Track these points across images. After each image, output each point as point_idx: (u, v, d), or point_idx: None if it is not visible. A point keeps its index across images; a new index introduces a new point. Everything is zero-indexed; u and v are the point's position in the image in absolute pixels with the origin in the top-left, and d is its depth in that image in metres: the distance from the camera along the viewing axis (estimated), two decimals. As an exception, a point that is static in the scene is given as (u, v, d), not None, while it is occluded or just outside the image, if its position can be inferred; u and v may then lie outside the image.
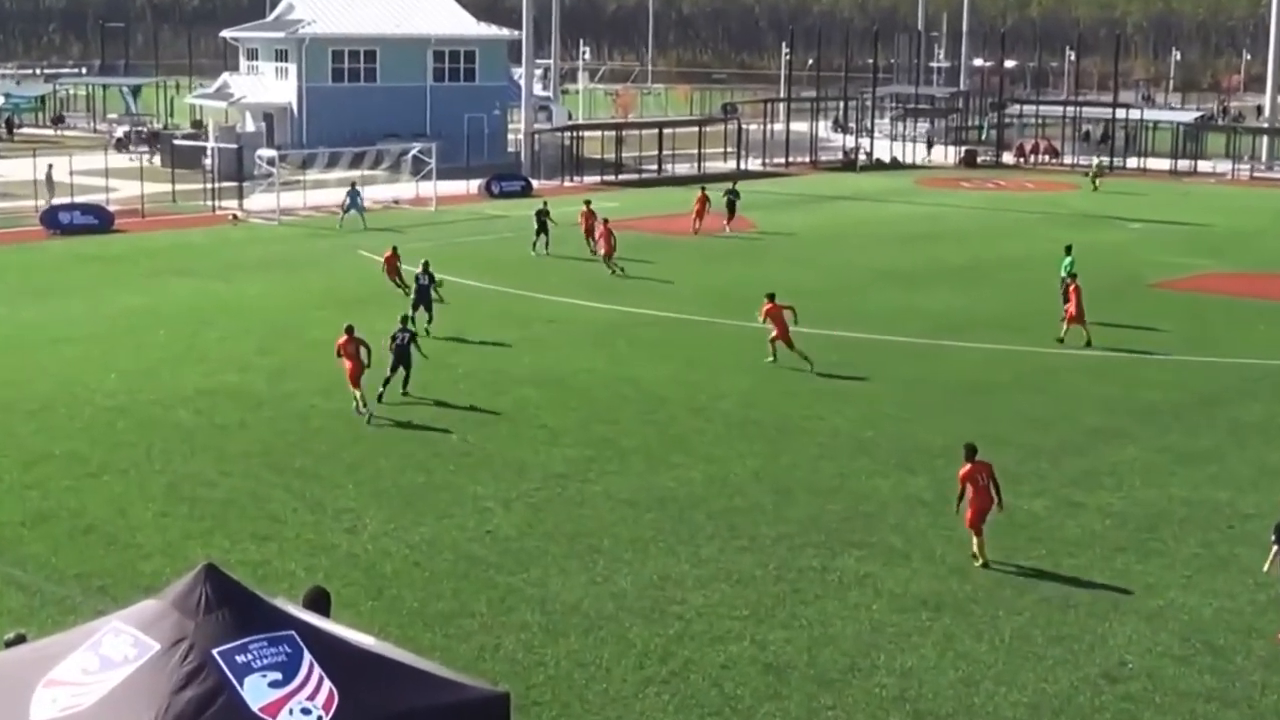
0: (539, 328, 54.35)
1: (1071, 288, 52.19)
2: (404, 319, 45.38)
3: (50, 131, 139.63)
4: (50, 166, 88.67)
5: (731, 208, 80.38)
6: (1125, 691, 25.55)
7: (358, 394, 42.02)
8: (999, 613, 28.84)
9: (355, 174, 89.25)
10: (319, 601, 21.36)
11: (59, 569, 30.79)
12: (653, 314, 57.13)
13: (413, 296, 53.23)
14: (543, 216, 71.59)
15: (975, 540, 31.75)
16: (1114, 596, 29.73)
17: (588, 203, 74.01)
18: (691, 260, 70.00)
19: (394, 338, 43.60)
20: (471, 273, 63.88)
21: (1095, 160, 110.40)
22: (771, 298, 47.84)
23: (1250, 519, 34.24)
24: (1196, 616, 28.79)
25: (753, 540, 32.61)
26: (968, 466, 32.09)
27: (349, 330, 42.81)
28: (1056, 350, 51.23)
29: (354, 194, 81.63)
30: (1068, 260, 56.89)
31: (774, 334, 47.73)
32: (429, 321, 51.76)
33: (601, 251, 66.63)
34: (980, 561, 31.44)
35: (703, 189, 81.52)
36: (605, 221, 68.09)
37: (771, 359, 47.70)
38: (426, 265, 53.43)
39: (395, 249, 60.07)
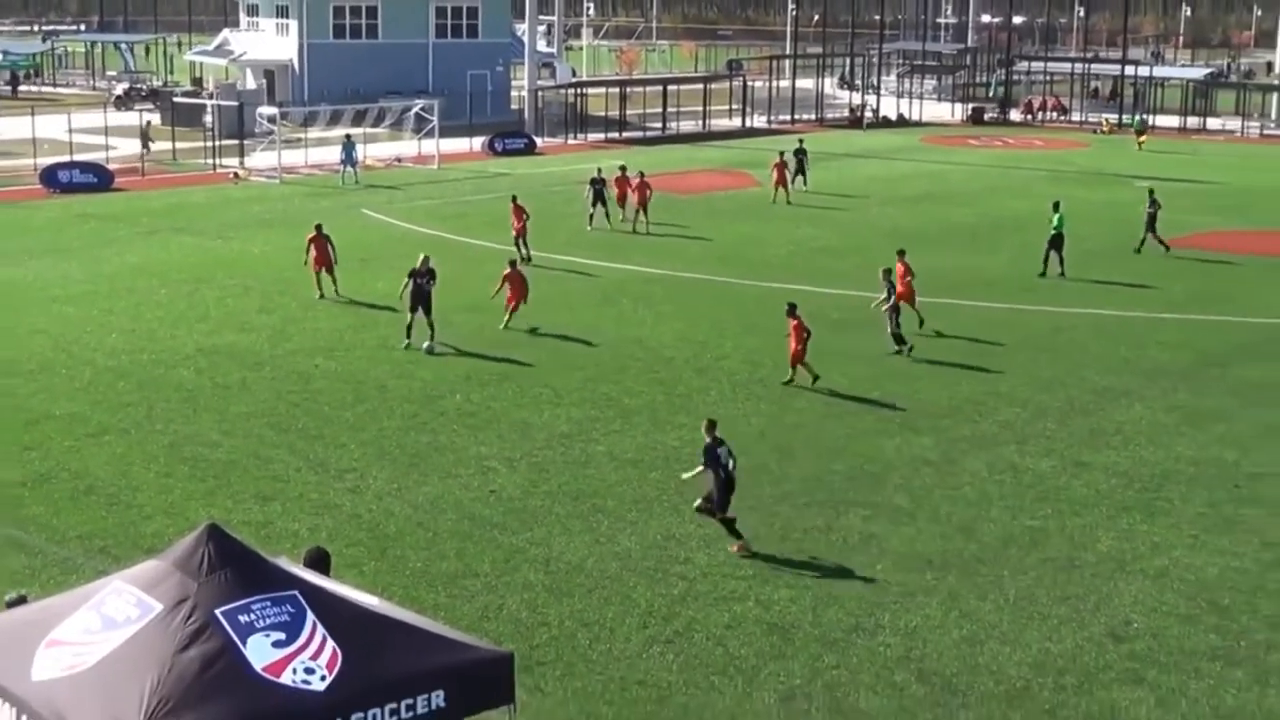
0: (544, 287, 54.29)
1: (899, 269, 47.60)
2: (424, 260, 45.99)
3: (50, 88, 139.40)
4: (149, 124, 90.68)
5: (802, 166, 78.85)
6: (1130, 651, 25.70)
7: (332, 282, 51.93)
8: (1004, 572, 28.98)
9: (357, 131, 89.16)
10: (320, 562, 21.48)
11: (60, 530, 30.91)
12: (659, 273, 57.20)
13: (409, 299, 45.56)
14: (598, 185, 68.47)
15: (800, 370, 41.18)
16: (1120, 556, 29.88)
17: (623, 167, 71.41)
18: (698, 218, 69.96)
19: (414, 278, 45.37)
20: (476, 231, 63.99)
21: (1138, 118, 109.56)
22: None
23: (1257, 479, 34.43)
24: (1202, 576, 28.93)
25: (757, 500, 32.70)
26: (795, 322, 40.84)
27: (317, 229, 52.12)
28: (1064, 310, 51.30)
29: (348, 148, 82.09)
30: (1056, 217, 57.08)
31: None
32: (430, 325, 45.35)
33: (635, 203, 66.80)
34: (788, 379, 41.19)
35: (781, 154, 78.18)
36: (641, 175, 68.18)
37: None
38: (427, 261, 46.10)
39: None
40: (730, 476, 30.01)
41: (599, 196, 68.23)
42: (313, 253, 51.67)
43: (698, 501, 30.36)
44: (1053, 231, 56.81)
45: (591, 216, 68.03)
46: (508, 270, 47.62)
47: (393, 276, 52.53)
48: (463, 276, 55.17)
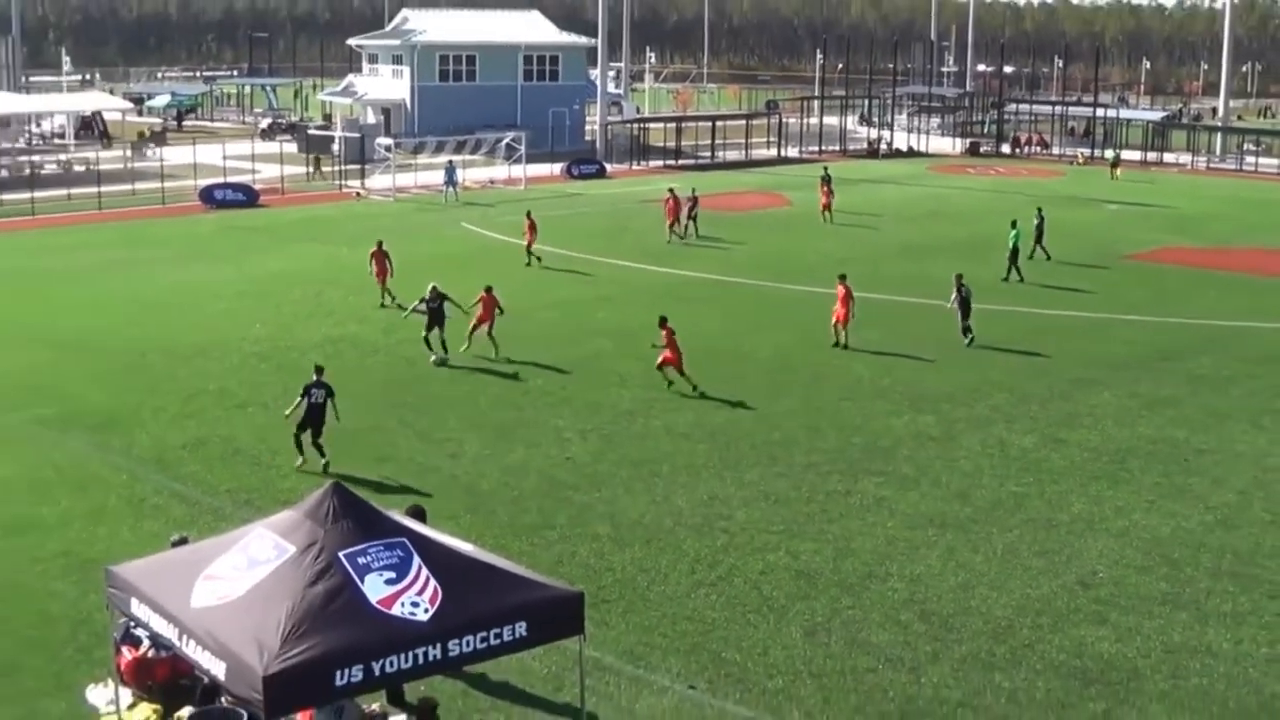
0: (609, 288, 54.41)
1: (841, 292, 44.99)
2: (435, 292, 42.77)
3: (209, 123, 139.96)
4: (318, 156, 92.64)
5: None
6: (1096, 596, 25.66)
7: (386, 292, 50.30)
8: (993, 530, 28.93)
9: (458, 158, 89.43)
10: (418, 516, 21.63)
11: (214, 485, 31.17)
12: (705, 277, 57.11)
13: (426, 318, 42.94)
14: (690, 203, 68.13)
15: (681, 377, 38.79)
16: (1089, 517, 29.80)
17: (671, 190, 70.18)
18: (738, 232, 69.73)
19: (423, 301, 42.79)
20: (554, 241, 63.94)
21: (1112, 152, 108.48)
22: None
23: (1202, 454, 34.32)
24: (1156, 534, 28.84)
25: (788, 468, 32.74)
26: (665, 332, 38.90)
27: (378, 245, 51.32)
28: (1043, 311, 51.08)
29: (450, 170, 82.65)
30: (1014, 233, 57.23)
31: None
32: (442, 342, 42.90)
33: (669, 222, 66.57)
34: (693, 387, 38.75)
35: (828, 180, 76.75)
36: (673, 193, 67.99)
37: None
38: (435, 289, 43.14)
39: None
40: (318, 410, 32.26)
41: (689, 213, 67.97)
42: (374, 266, 50.92)
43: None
44: (1011, 245, 56.99)
45: (688, 229, 67.69)
46: (483, 294, 43.52)
47: (487, 278, 52.66)
48: (542, 279, 55.31)
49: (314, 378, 32.62)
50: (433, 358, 42.62)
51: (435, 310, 42.74)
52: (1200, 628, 24.53)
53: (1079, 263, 61.50)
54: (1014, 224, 57.91)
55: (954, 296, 46.24)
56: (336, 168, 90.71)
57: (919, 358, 43.74)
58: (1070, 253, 63.37)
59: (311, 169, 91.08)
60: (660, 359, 39.21)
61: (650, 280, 56.43)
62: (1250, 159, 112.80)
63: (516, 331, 45.58)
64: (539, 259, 58.76)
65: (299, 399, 32.39)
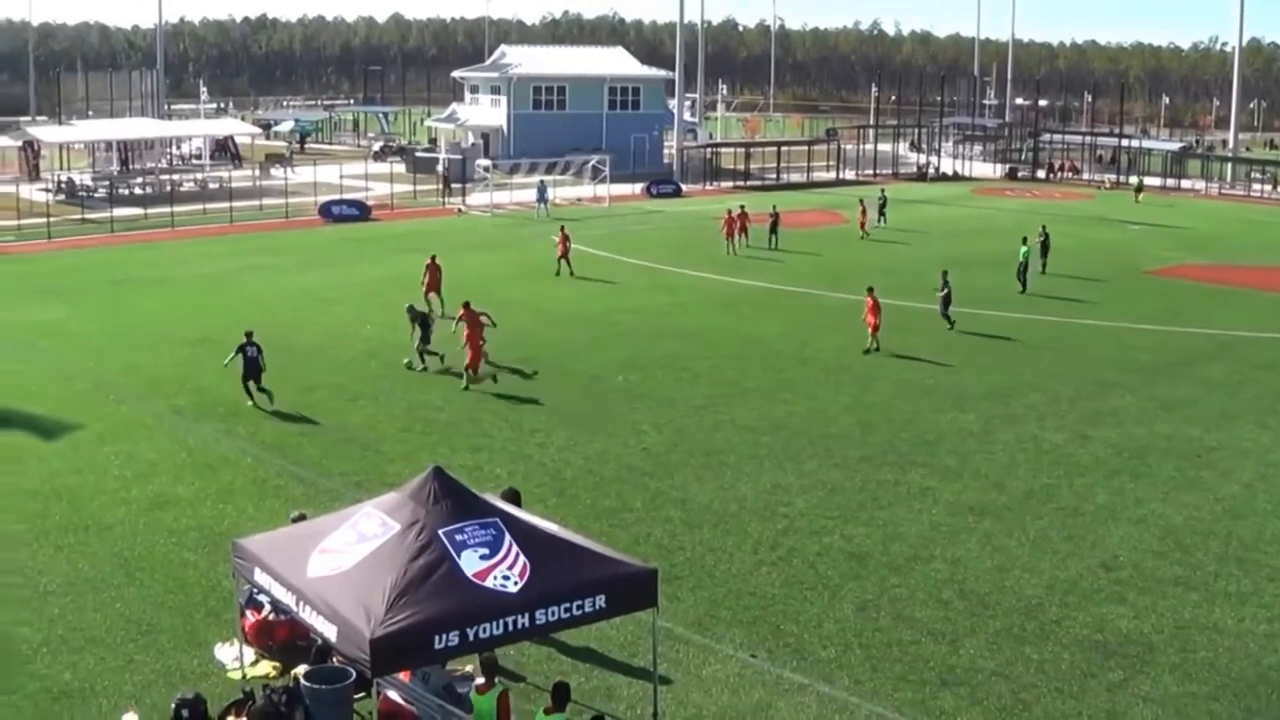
0: (683, 295, 54.31)
1: (869, 302, 44.41)
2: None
3: (328, 146, 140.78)
4: (542, 182, 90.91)
5: (882, 209, 77.88)
6: (1117, 578, 25.44)
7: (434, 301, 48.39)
8: (1026, 517, 28.71)
9: (549, 178, 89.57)
10: (514, 498, 21.71)
11: (328, 468, 31.32)
12: (768, 286, 56.94)
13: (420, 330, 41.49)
14: (774, 218, 68.75)
15: (472, 375, 37.99)
16: (1111, 507, 29.52)
17: (742, 207, 69.46)
18: (799, 246, 69.45)
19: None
20: (634, 252, 63.97)
21: (1136, 178, 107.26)
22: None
23: (1213, 450, 33.97)
24: (1171, 522, 28.56)
25: (843, 459, 32.58)
26: (463, 312, 38.36)
27: (432, 258, 50.02)
28: (1068, 320, 50.63)
29: (541, 188, 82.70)
30: (1024, 249, 57.00)
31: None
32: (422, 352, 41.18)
33: (725, 234, 66.32)
34: (465, 385, 38.05)
35: (861, 200, 77.55)
36: (743, 210, 67.78)
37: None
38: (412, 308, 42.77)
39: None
40: (254, 363, 35.97)
41: (772, 228, 68.21)
42: (426, 276, 49.75)
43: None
44: (1021, 260, 56.73)
45: (771, 240, 67.87)
46: (462, 312, 40.10)
47: (567, 288, 52.85)
48: (621, 287, 55.25)
49: (244, 339, 36.33)
50: (405, 360, 41.32)
51: (426, 325, 41.56)
52: (1208, 607, 24.29)
53: (1105, 277, 60.97)
54: (1024, 240, 57.74)
55: (942, 289, 47.65)
56: (439, 186, 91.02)
57: (961, 361, 43.46)
58: (1097, 268, 62.91)
59: (442, 187, 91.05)
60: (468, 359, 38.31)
61: (719, 288, 56.32)
62: (1257, 186, 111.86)
63: (597, 334, 45.60)
64: (571, 271, 58.00)
65: (234, 354, 36.24)
